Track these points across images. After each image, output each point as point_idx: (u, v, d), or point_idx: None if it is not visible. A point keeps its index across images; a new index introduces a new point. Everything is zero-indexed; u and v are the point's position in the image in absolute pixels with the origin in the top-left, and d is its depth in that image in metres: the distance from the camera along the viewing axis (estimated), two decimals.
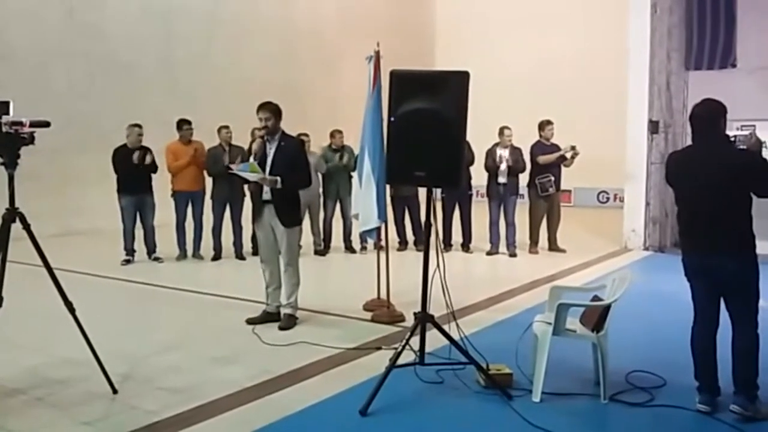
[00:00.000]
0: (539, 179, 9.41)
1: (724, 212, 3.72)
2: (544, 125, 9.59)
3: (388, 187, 6.53)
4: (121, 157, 8.49)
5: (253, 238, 8.90)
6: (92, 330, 3.99)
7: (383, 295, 6.08)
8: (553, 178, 9.38)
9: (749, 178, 3.66)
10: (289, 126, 5.85)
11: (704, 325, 3.86)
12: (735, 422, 3.63)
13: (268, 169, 5.48)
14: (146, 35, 13.27)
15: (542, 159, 9.37)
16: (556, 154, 9.34)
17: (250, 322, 5.66)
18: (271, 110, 5.52)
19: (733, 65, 10.11)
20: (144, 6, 13.28)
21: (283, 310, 5.67)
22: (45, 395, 4.05)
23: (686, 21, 10.36)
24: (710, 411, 3.75)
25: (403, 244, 9.86)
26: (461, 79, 3.99)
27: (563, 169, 9.63)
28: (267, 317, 5.71)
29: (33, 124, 3.73)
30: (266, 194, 5.51)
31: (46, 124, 3.79)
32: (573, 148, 9.28)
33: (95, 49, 12.39)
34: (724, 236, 3.72)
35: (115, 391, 4.01)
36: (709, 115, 3.81)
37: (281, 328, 5.52)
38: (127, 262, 8.69)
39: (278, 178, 5.39)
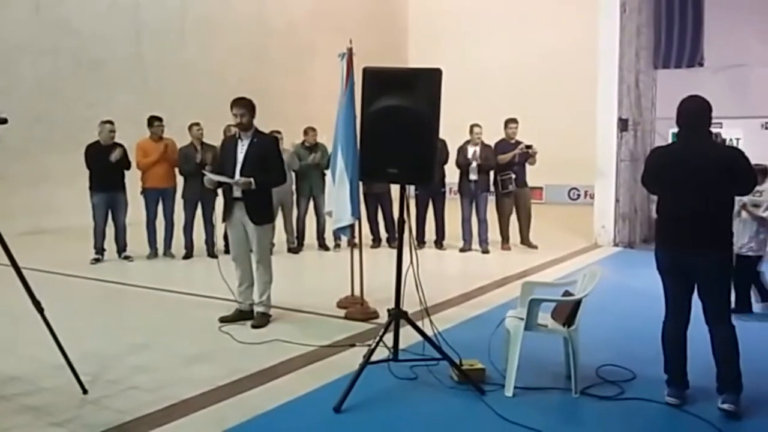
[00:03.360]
0: (500, 176, 9.53)
1: (710, 209, 3.72)
2: (507, 123, 9.68)
3: (361, 184, 6.53)
4: (94, 153, 8.37)
5: (225, 236, 8.86)
6: (61, 330, 3.94)
7: (357, 293, 6.08)
8: (513, 176, 9.47)
9: (734, 175, 3.69)
10: (262, 123, 5.81)
11: (676, 320, 3.90)
12: (699, 413, 3.70)
13: (239, 166, 5.44)
14: (115, 31, 13.09)
15: (500, 158, 9.50)
16: (510, 154, 9.42)
17: (223, 320, 5.62)
18: (246, 106, 5.47)
19: (701, 64, 10.29)
20: (112, 1, 13.08)
21: (256, 308, 5.65)
22: (13, 396, 3.98)
23: (655, 20, 10.52)
24: (679, 403, 3.82)
25: (376, 242, 9.87)
26: (434, 76, 4.01)
27: (531, 166, 9.67)
28: (240, 315, 5.67)
29: None
30: (237, 192, 5.47)
31: (4, 121, 3.77)
32: (528, 147, 9.35)
33: (63, 45, 12.19)
34: (709, 233, 3.73)
35: (85, 392, 3.95)
36: (700, 112, 3.81)
37: (254, 327, 5.49)
38: (97, 260, 8.57)
39: (251, 180, 5.35)
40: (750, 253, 5.86)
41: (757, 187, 5.36)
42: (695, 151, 3.78)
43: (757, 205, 5.80)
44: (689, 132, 3.83)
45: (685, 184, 3.76)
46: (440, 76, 4.00)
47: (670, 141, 9.82)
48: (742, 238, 5.83)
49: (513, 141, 9.58)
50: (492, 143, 9.54)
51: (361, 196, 7.19)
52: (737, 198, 5.51)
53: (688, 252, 3.77)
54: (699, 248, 3.73)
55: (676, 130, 3.99)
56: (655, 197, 5.34)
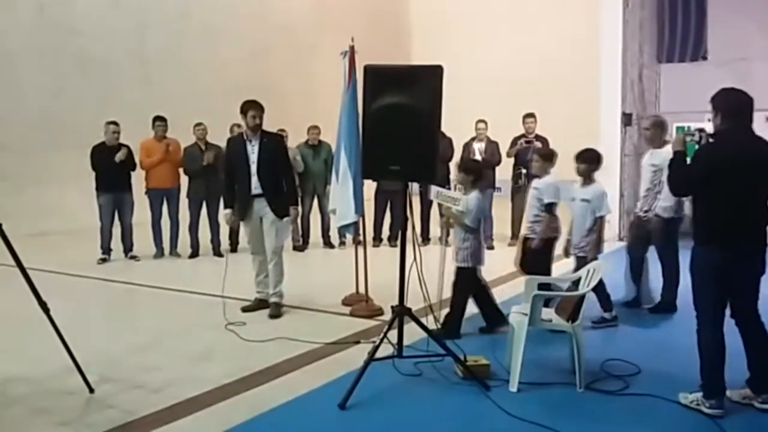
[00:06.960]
0: (513, 171, 9.53)
1: (765, 211, 3.60)
2: (524, 119, 9.58)
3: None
4: (99, 154, 8.40)
5: (230, 234, 8.91)
6: (68, 330, 3.96)
7: (362, 290, 6.10)
8: (524, 171, 9.42)
9: None
10: (266, 122, 5.88)
11: (716, 327, 3.65)
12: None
13: (254, 167, 5.73)
14: (118, 31, 13.09)
15: (506, 153, 9.55)
16: (514, 149, 9.47)
17: (245, 310, 5.98)
18: (261, 108, 5.79)
19: (704, 58, 10.27)
20: (115, 1, 13.11)
21: (271, 299, 5.94)
22: (20, 396, 4.02)
23: (658, 14, 10.50)
24: (722, 414, 3.62)
25: (376, 240, 9.76)
26: (435, 73, 4.00)
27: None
28: (259, 304, 6.02)
29: None
30: (256, 189, 5.77)
31: None
32: (528, 142, 9.33)
33: (66, 46, 12.20)
34: (763, 236, 3.60)
35: (91, 391, 3.98)
36: (750, 105, 3.59)
37: (271, 316, 5.82)
38: (104, 260, 8.61)
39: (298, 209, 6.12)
40: (463, 265, 5.24)
41: (456, 194, 5.18)
42: (753, 150, 3.57)
43: (462, 211, 5.10)
44: (742, 128, 3.59)
45: (747, 185, 3.53)
46: (441, 72, 4.00)
47: (674, 135, 9.79)
48: (456, 247, 5.29)
49: (532, 135, 9.51)
50: (498, 139, 9.52)
51: (372, 193, 7.15)
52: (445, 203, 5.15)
53: (742, 255, 3.58)
54: (755, 252, 3.60)
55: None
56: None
